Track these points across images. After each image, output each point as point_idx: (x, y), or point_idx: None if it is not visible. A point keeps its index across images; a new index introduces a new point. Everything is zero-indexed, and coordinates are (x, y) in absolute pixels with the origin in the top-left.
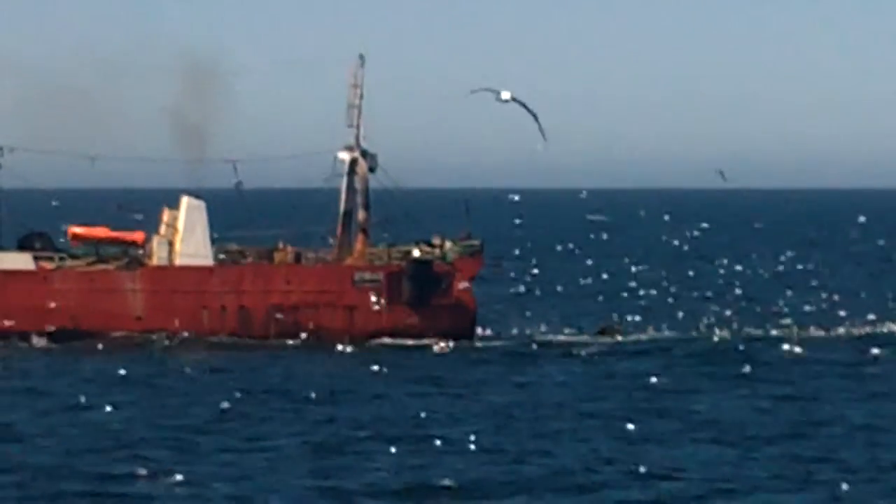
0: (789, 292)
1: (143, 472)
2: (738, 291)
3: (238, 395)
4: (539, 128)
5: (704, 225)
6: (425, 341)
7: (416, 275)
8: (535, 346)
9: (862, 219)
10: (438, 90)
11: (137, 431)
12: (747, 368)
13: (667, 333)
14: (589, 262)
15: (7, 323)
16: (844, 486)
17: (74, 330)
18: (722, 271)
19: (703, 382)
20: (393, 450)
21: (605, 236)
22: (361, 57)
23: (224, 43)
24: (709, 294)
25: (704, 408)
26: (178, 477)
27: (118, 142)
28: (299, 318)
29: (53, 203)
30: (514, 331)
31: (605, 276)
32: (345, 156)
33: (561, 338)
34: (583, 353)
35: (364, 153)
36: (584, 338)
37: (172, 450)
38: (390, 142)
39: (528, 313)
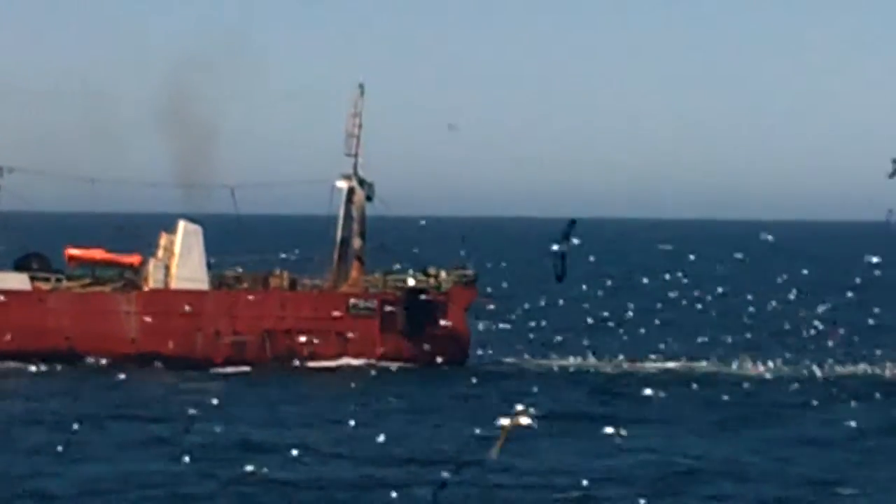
0: None
1: None
2: None
3: None
4: None
5: None
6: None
7: (410, 303)
8: None
9: None
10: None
11: None
12: None
13: None
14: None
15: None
16: None
17: (69, 351)
18: None
19: None
20: None
21: None
22: (361, 87)
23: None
24: None
25: None
26: None
27: (117, 165)
28: (293, 343)
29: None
30: None
31: None
32: (342, 184)
33: None
34: None
35: (361, 182)
36: None
37: None
38: (388, 171)
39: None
